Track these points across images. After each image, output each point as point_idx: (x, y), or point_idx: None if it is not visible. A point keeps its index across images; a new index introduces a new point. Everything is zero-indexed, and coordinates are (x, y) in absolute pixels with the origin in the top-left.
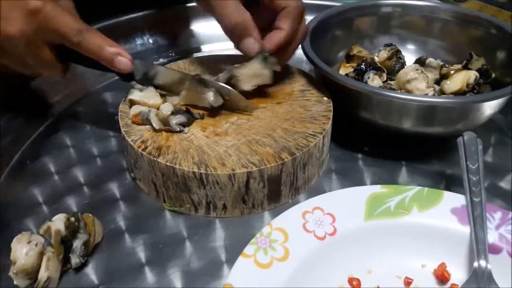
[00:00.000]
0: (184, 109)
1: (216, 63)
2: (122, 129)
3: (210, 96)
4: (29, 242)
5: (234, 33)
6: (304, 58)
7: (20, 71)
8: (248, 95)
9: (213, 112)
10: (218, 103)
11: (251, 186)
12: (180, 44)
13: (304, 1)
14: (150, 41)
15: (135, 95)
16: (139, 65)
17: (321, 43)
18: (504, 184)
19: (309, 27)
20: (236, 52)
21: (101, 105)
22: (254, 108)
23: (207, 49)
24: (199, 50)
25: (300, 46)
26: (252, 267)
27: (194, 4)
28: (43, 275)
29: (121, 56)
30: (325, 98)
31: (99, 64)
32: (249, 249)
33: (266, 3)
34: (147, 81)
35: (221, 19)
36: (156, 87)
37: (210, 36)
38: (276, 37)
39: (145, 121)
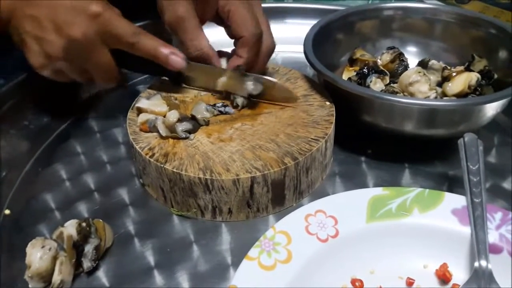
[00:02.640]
0: (190, 116)
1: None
2: (130, 137)
3: (250, 85)
4: (43, 247)
5: (195, 61)
6: (307, 62)
7: (76, 78)
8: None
9: (252, 102)
10: (257, 91)
11: (255, 191)
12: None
13: (307, 6)
14: None
15: (142, 103)
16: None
17: (324, 47)
18: (506, 184)
19: (311, 33)
20: None
21: (110, 113)
22: (297, 98)
23: None
24: None
25: (303, 51)
26: (256, 269)
27: None
28: (56, 278)
29: (175, 55)
30: (328, 103)
31: (149, 68)
32: (253, 252)
33: (227, 26)
34: (192, 81)
35: (181, 45)
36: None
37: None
38: (235, 64)
39: (152, 128)
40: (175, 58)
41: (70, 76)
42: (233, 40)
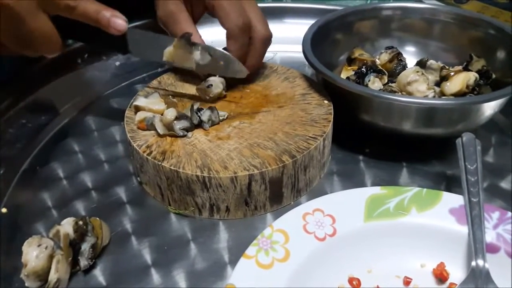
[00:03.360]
0: (188, 114)
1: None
2: (128, 135)
3: (197, 54)
4: (39, 245)
5: None
6: (306, 62)
7: (19, 51)
8: (251, 98)
9: (200, 74)
10: (204, 61)
11: (253, 189)
12: None
13: (306, 6)
14: None
15: (140, 101)
16: (133, 35)
17: (323, 47)
18: (504, 184)
19: (310, 33)
20: None
21: (108, 111)
22: (246, 73)
23: None
24: None
25: (301, 51)
26: (253, 267)
27: None
28: (53, 277)
29: (115, 17)
30: (326, 102)
31: (92, 35)
32: (250, 250)
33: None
34: (137, 51)
35: (172, 36)
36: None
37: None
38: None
39: (150, 126)
40: (117, 20)
41: (13, 49)
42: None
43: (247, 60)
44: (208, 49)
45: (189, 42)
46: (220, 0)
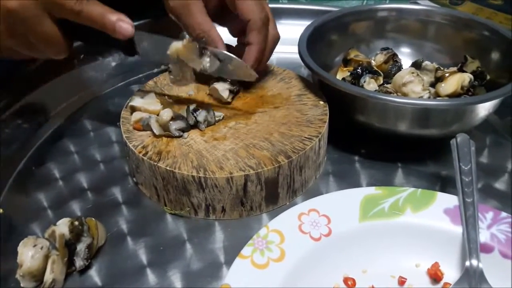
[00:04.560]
0: (184, 115)
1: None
2: (124, 135)
3: (206, 61)
4: (34, 246)
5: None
6: (302, 63)
7: (25, 54)
8: (247, 99)
9: (204, 77)
10: (213, 68)
11: (249, 189)
12: None
13: (302, 7)
14: None
15: (136, 101)
16: (140, 36)
17: (319, 47)
18: (498, 185)
19: (305, 34)
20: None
21: (104, 112)
22: (256, 76)
23: None
24: None
25: (297, 51)
26: (249, 267)
27: None
28: (48, 277)
29: (122, 21)
30: (322, 102)
31: (100, 38)
32: (246, 250)
33: (236, 14)
34: (145, 53)
35: (186, 29)
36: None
37: None
38: (251, 53)
39: (146, 127)
40: (123, 25)
41: (20, 52)
42: (235, 39)
43: (263, 57)
44: (218, 55)
45: (201, 47)
46: None
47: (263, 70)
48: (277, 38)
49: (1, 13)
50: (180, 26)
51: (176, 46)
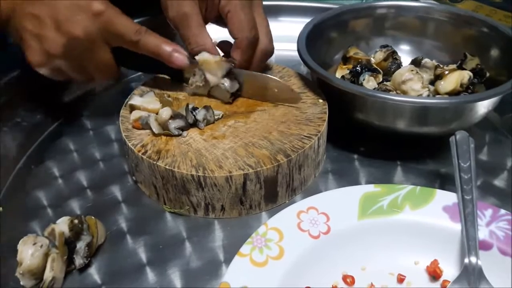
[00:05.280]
0: (183, 114)
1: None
2: (123, 134)
3: (227, 82)
4: (34, 244)
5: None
6: (301, 61)
7: (75, 77)
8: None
9: (233, 100)
10: (233, 89)
11: (248, 188)
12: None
13: (301, 4)
14: None
15: (135, 100)
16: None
17: (318, 45)
18: (498, 182)
19: (305, 31)
20: None
21: (103, 110)
22: (299, 98)
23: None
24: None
25: (296, 49)
26: (248, 265)
27: None
28: (48, 275)
29: (178, 53)
30: (321, 100)
31: (151, 65)
32: (245, 248)
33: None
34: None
35: (184, 41)
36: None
37: None
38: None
39: (145, 125)
40: (178, 56)
41: (69, 74)
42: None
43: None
44: (238, 77)
45: (229, 69)
46: (236, 8)
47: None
48: (267, 53)
49: (65, 37)
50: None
51: (205, 58)
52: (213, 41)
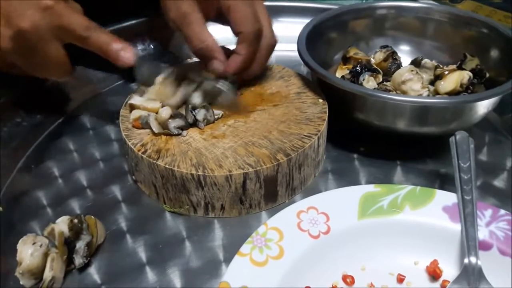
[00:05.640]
0: (183, 113)
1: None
2: (123, 133)
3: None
4: (34, 244)
5: (199, 55)
6: (301, 61)
7: (29, 72)
8: (246, 97)
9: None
10: (204, 102)
11: (248, 187)
12: (176, 50)
13: (301, 4)
14: (151, 46)
15: (135, 99)
16: (140, 63)
17: (318, 45)
18: (497, 182)
19: (305, 31)
20: None
21: (103, 110)
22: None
23: None
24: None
25: (296, 49)
26: (248, 265)
27: None
28: (47, 275)
29: (124, 51)
30: (321, 100)
31: (104, 64)
32: (245, 248)
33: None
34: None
35: (186, 40)
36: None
37: None
38: (234, 62)
39: (145, 125)
40: (124, 54)
41: (24, 69)
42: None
43: (253, 64)
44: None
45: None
46: (237, 3)
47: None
48: (272, 45)
49: (13, 31)
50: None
51: (161, 81)
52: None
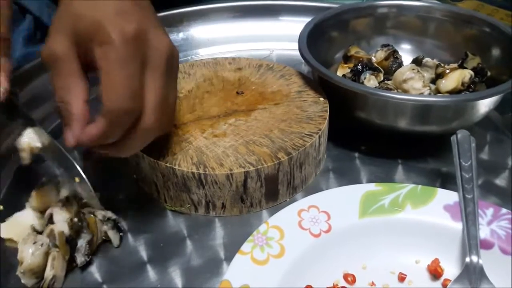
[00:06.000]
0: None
1: (214, 66)
2: None
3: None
4: (35, 243)
5: (57, 112)
6: (302, 59)
7: None
8: (247, 96)
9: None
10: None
11: (249, 186)
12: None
13: (302, 3)
14: None
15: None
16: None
17: (319, 44)
18: (499, 181)
19: (306, 30)
20: (235, 54)
21: None
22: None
23: (204, 53)
24: (197, 54)
25: (297, 48)
26: (249, 263)
27: (190, 8)
28: (48, 273)
29: None
30: (322, 99)
31: None
32: (246, 246)
33: None
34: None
35: (52, 87)
36: None
37: (207, 40)
38: (89, 133)
39: None
40: None
41: None
42: (237, 38)
43: (122, 144)
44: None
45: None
46: (110, 65)
47: (257, 69)
48: (147, 131)
49: None
50: None
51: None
52: (86, 99)
